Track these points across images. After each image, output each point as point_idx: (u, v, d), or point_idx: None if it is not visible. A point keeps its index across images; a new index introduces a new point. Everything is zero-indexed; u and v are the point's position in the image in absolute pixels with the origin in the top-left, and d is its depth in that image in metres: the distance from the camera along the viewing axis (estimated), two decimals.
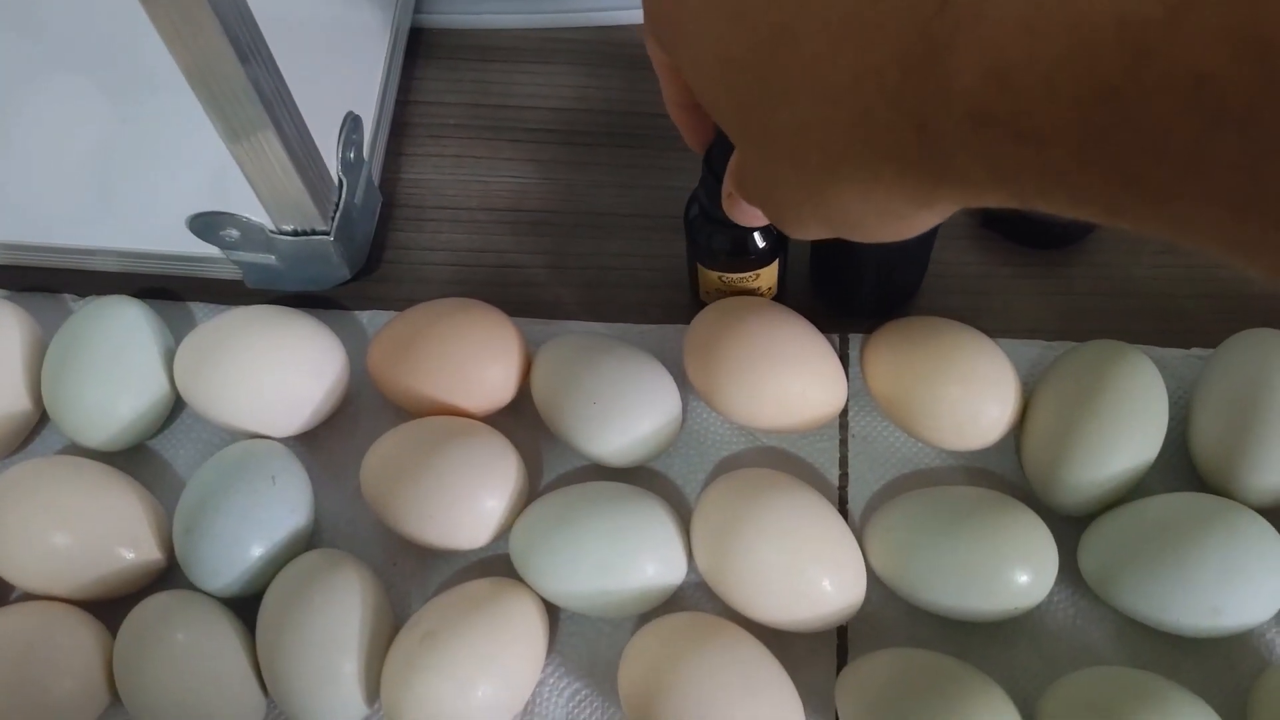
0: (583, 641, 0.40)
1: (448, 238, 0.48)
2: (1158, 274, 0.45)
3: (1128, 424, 0.39)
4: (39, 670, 0.37)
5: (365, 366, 0.43)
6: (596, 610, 0.39)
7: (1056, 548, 0.38)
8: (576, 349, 0.41)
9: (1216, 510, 0.37)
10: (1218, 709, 0.35)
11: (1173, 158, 0.18)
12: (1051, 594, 0.38)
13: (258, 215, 0.41)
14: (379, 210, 0.47)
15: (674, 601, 0.39)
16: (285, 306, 0.44)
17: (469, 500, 0.39)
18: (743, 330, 0.40)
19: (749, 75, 0.26)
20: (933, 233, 0.41)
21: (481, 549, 0.41)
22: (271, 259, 0.44)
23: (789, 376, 0.40)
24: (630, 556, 0.38)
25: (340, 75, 0.48)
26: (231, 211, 0.42)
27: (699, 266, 0.42)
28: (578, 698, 0.39)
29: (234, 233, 0.42)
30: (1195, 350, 0.43)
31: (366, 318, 0.46)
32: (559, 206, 0.48)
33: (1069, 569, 0.39)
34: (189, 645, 0.37)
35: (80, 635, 0.38)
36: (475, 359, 0.41)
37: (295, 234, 0.42)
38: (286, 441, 0.43)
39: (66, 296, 0.47)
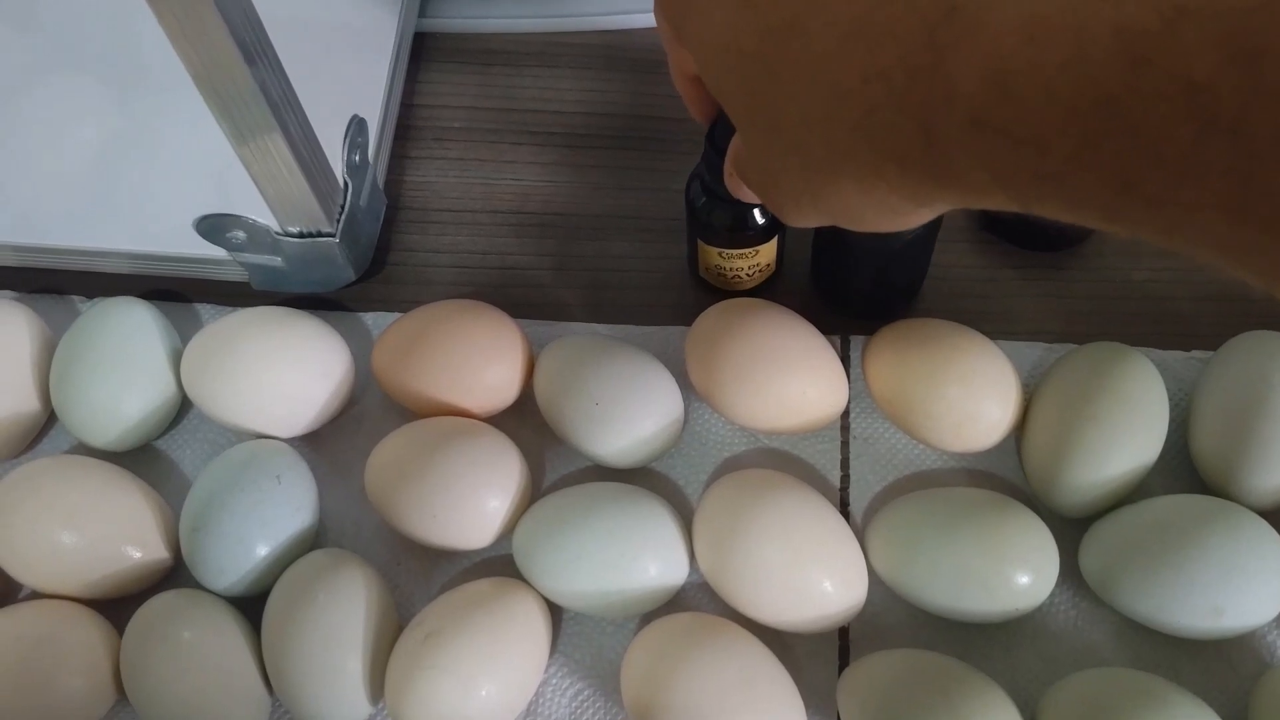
0: (585, 641, 0.40)
1: (451, 240, 0.48)
2: (1158, 277, 0.45)
3: (1128, 426, 0.39)
4: (47, 668, 0.37)
5: (370, 367, 0.43)
6: (599, 610, 0.39)
7: (1057, 549, 0.38)
8: (579, 350, 0.41)
9: (1217, 512, 0.37)
10: (1219, 710, 0.35)
11: (1168, 164, 0.19)
12: (1052, 595, 0.38)
13: (264, 217, 0.42)
14: (383, 212, 0.47)
15: (676, 602, 0.40)
16: (290, 308, 0.44)
17: (472, 500, 0.39)
18: (744, 332, 0.40)
19: (758, 66, 0.27)
20: (933, 235, 0.41)
21: (485, 549, 0.41)
22: (277, 261, 0.44)
23: (790, 378, 0.40)
24: (632, 557, 0.38)
25: (345, 79, 0.48)
26: (238, 214, 0.42)
27: (699, 243, 0.42)
28: (580, 697, 0.39)
29: (240, 235, 0.43)
30: (1195, 352, 0.43)
31: (371, 319, 0.46)
32: (562, 209, 0.49)
33: (1070, 570, 0.39)
34: (195, 644, 0.38)
35: (87, 633, 0.39)
36: (479, 360, 0.42)
37: (301, 236, 0.42)
38: (292, 442, 0.43)
39: (75, 298, 0.47)
